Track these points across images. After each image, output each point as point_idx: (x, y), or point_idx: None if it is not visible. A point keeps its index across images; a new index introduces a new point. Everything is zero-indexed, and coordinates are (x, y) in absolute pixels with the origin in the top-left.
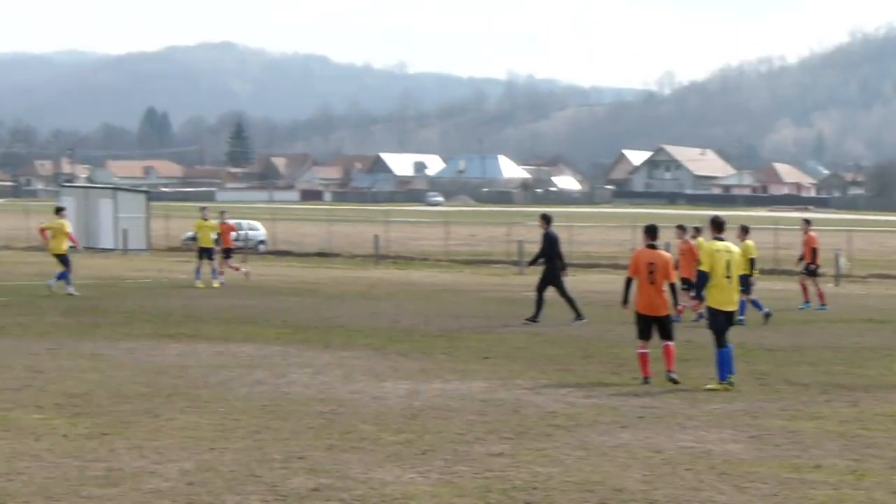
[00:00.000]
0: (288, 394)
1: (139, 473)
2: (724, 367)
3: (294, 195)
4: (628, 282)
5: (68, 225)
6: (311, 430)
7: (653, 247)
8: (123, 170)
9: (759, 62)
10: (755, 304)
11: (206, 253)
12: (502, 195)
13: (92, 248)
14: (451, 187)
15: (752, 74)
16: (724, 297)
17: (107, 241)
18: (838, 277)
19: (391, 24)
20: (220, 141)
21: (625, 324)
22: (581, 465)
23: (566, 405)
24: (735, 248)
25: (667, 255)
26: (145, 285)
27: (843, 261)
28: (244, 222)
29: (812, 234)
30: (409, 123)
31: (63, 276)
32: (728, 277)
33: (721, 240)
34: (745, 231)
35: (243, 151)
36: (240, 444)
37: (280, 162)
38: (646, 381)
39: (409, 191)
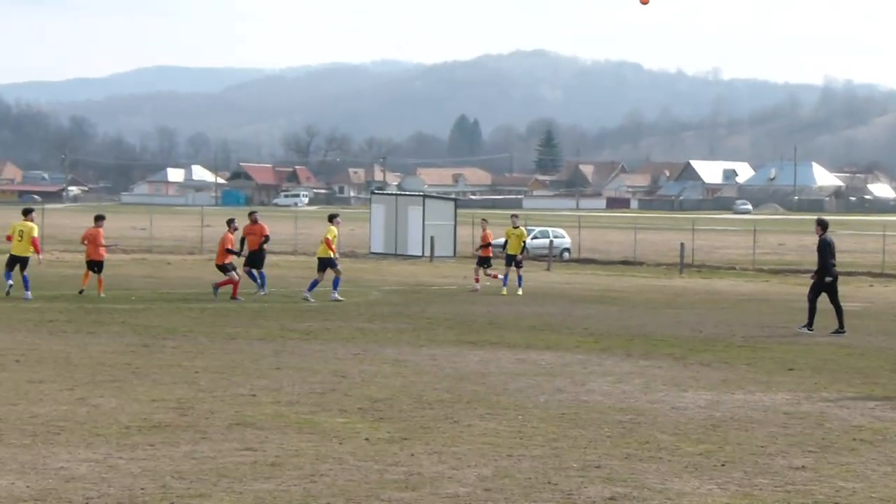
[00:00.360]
0: (587, 402)
1: (437, 478)
2: None
3: (601, 203)
4: None
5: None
6: (609, 438)
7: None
8: (433, 177)
9: None
10: None
11: (511, 260)
12: (813, 203)
13: (400, 255)
14: (760, 195)
15: None
16: None
17: (414, 248)
18: None
19: (706, 28)
20: (529, 148)
21: None
22: (887, 481)
23: (873, 419)
24: None
25: None
26: (450, 292)
27: None
28: (549, 230)
29: None
30: (720, 130)
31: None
32: None
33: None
34: None
35: (552, 159)
36: (537, 452)
37: (588, 169)
38: None
39: (717, 198)
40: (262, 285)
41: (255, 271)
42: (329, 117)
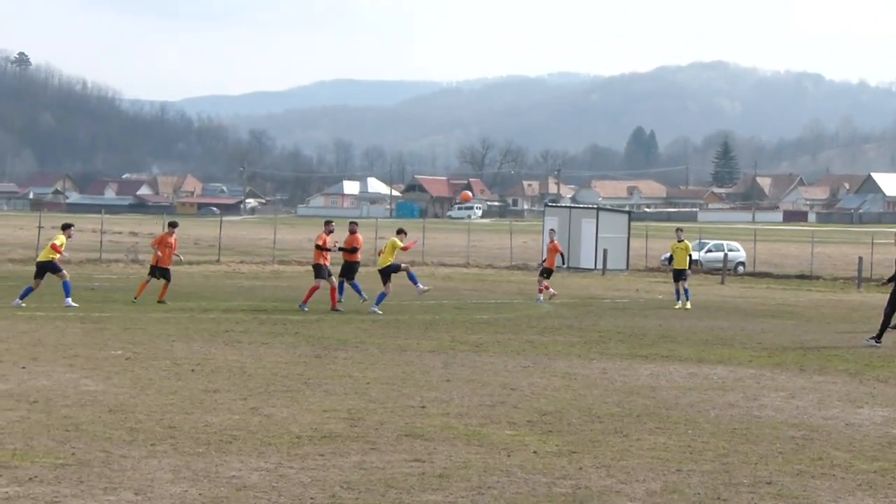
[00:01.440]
0: (759, 417)
1: (606, 492)
2: None
3: (777, 216)
4: None
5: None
6: (781, 454)
7: None
8: (608, 189)
9: None
10: None
11: (679, 275)
12: None
13: (573, 268)
14: None
15: None
16: None
17: (587, 260)
18: None
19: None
20: (705, 161)
21: None
22: None
23: None
24: None
25: None
26: (622, 305)
27: None
28: (724, 243)
29: None
30: None
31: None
32: None
33: None
34: None
35: (728, 171)
36: (707, 467)
37: (765, 182)
38: None
39: None
40: (360, 293)
41: (346, 282)
42: (504, 130)
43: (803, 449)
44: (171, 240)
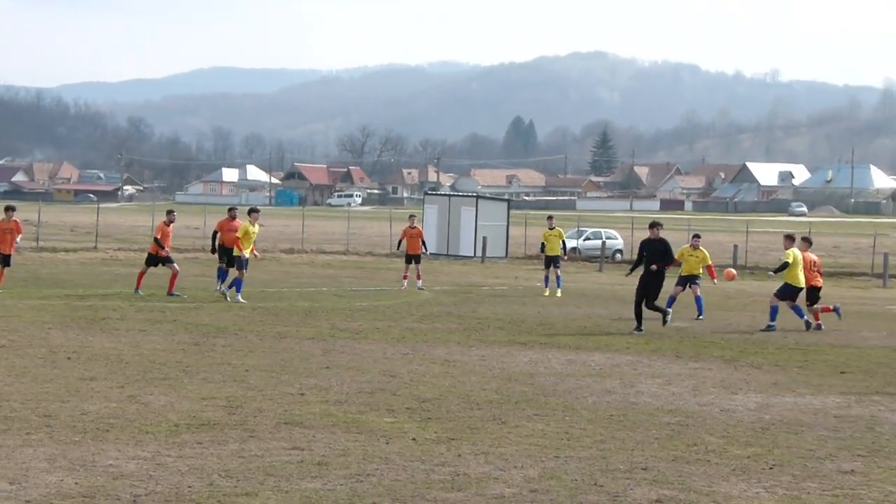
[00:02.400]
0: (636, 404)
1: (484, 479)
2: None
3: (654, 204)
4: None
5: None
6: (657, 441)
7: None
8: (487, 178)
9: None
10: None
11: (552, 261)
12: (870, 206)
13: (452, 256)
14: (816, 197)
15: None
16: None
17: (467, 248)
18: None
19: (765, 30)
20: (584, 150)
21: None
22: None
23: None
24: None
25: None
26: (501, 292)
27: None
28: (602, 231)
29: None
30: (778, 132)
31: None
32: None
33: None
34: None
35: (606, 160)
36: (584, 453)
37: (642, 171)
38: None
39: (773, 201)
40: (222, 282)
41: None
42: (384, 118)
43: (679, 435)
44: (10, 225)
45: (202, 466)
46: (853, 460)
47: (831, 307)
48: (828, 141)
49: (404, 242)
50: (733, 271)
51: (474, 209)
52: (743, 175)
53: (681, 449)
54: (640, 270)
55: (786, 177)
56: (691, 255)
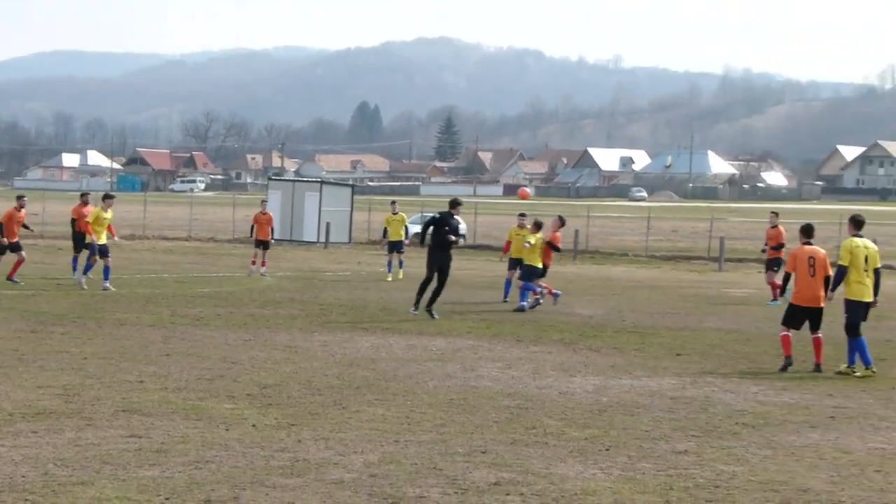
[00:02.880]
0: (476, 388)
1: (323, 464)
2: (865, 353)
3: (498, 189)
4: (787, 276)
5: None
6: (496, 424)
7: (809, 244)
8: (332, 163)
9: None
10: None
11: (395, 247)
12: (708, 191)
13: (295, 241)
14: (656, 182)
15: None
16: (863, 289)
17: (310, 234)
18: None
19: (608, 17)
20: (429, 135)
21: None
22: (766, 464)
23: (756, 404)
24: (872, 245)
25: (823, 251)
26: (344, 278)
27: None
28: None
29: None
30: (619, 118)
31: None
32: (866, 271)
33: (860, 237)
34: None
35: (451, 146)
36: (424, 437)
37: (486, 156)
38: (788, 360)
39: (614, 186)
40: (75, 270)
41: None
42: (229, 103)
43: (518, 418)
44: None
45: (37, 456)
46: (687, 441)
47: (552, 291)
48: (668, 126)
49: (256, 228)
50: (527, 190)
51: (318, 194)
52: (585, 160)
53: (519, 432)
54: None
55: (626, 162)
56: (518, 235)
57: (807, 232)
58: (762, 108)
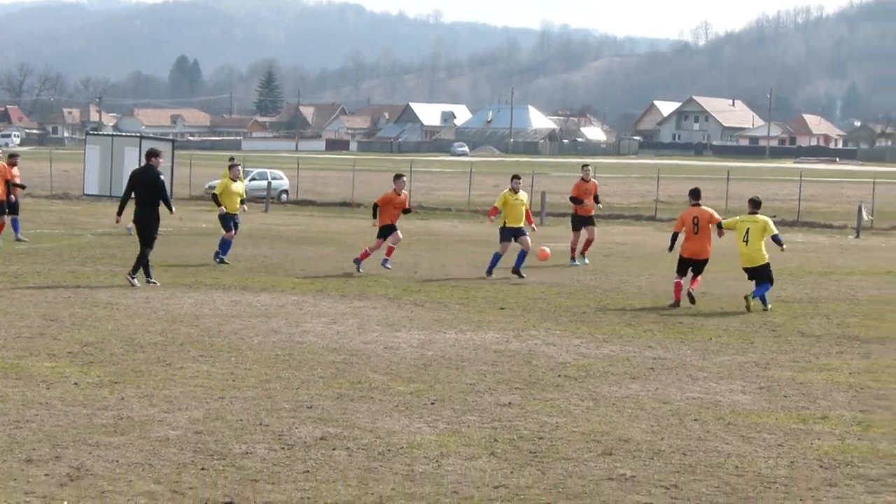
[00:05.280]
0: (301, 343)
1: (148, 422)
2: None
3: (320, 144)
4: (675, 235)
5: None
6: (322, 379)
7: (697, 205)
8: (151, 118)
9: (797, 13)
10: None
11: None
12: (529, 146)
13: (115, 197)
14: (477, 137)
15: (788, 25)
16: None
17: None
18: (860, 229)
19: None
20: (250, 90)
21: (642, 276)
22: (589, 415)
23: (578, 356)
24: (761, 219)
25: (708, 211)
26: (166, 234)
27: (865, 213)
28: (267, 171)
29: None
30: (441, 73)
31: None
32: (746, 241)
33: (755, 213)
34: None
35: (272, 100)
36: (250, 393)
37: (308, 111)
38: (677, 304)
39: (436, 141)
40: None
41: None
42: (43, 56)
43: (343, 373)
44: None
45: None
46: (511, 393)
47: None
48: (489, 82)
49: None
50: (546, 251)
51: (137, 149)
52: (407, 115)
53: (345, 387)
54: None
55: (448, 117)
56: (517, 200)
57: (695, 195)
58: (581, 63)
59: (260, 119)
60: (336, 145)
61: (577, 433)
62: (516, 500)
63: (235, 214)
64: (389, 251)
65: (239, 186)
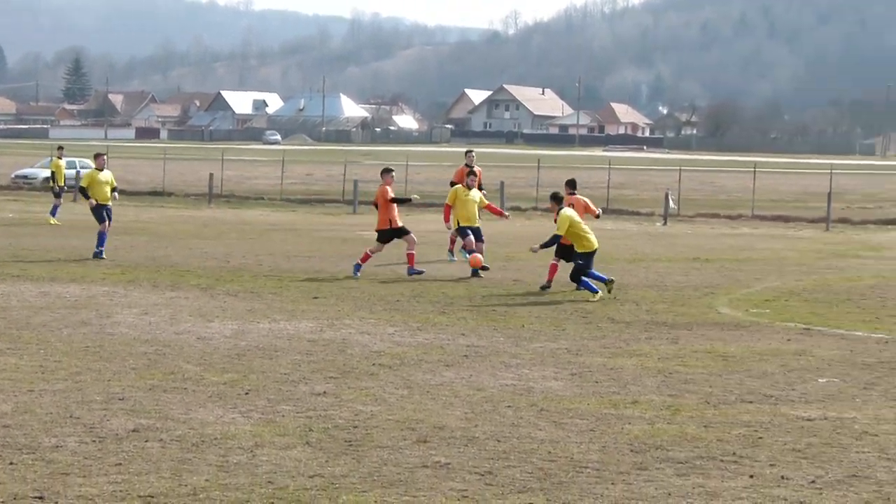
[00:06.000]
0: (112, 335)
1: None
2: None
3: (130, 133)
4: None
5: None
6: (134, 370)
7: (573, 194)
8: None
9: (604, 3)
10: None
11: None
12: (341, 134)
13: None
14: (290, 126)
15: (596, 15)
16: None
17: None
18: (666, 217)
19: None
20: (57, 77)
21: (453, 264)
22: (403, 403)
23: (392, 344)
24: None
25: (584, 199)
26: None
27: (671, 201)
28: (76, 160)
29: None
30: (252, 61)
31: None
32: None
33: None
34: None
35: (80, 88)
36: (59, 386)
37: (117, 99)
38: (548, 284)
39: (248, 129)
40: None
41: None
42: None
43: (156, 364)
44: None
45: None
46: (326, 382)
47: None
48: (300, 69)
49: None
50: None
51: None
52: (218, 103)
53: (158, 378)
54: None
55: (260, 105)
56: (466, 198)
57: (572, 185)
58: (391, 52)
59: (68, 107)
60: (146, 133)
61: (391, 421)
62: (332, 489)
63: (107, 204)
64: (411, 259)
65: (107, 175)
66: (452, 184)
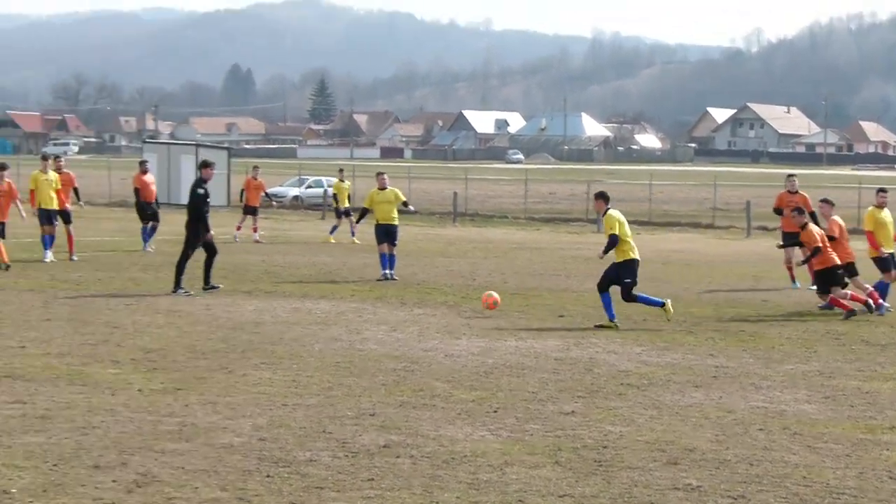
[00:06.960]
0: (362, 351)
1: (212, 428)
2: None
3: (375, 152)
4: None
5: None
6: (384, 386)
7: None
8: (206, 126)
9: (850, 19)
10: None
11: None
12: (583, 153)
13: (173, 204)
14: (531, 145)
15: (841, 32)
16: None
17: (186, 197)
18: None
19: None
20: (302, 98)
21: (701, 283)
22: (652, 424)
23: (640, 364)
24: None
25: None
26: (224, 241)
27: None
28: (323, 179)
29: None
30: (493, 81)
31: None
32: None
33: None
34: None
35: (325, 108)
36: (312, 401)
37: (361, 119)
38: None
39: (490, 148)
40: None
41: None
42: (98, 65)
43: (405, 380)
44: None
45: None
46: (573, 402)
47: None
48: (541, 89)
49: (246, 193)
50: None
51: (194, 157)
52: (460, 123)
53: (407, 394)
54: None
55: (502, 125)
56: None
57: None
58: (632, 70)
59: (314, 127)
60: (391, 153)
61: (641, 442)
62: None
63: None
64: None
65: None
66: (775, 210)
